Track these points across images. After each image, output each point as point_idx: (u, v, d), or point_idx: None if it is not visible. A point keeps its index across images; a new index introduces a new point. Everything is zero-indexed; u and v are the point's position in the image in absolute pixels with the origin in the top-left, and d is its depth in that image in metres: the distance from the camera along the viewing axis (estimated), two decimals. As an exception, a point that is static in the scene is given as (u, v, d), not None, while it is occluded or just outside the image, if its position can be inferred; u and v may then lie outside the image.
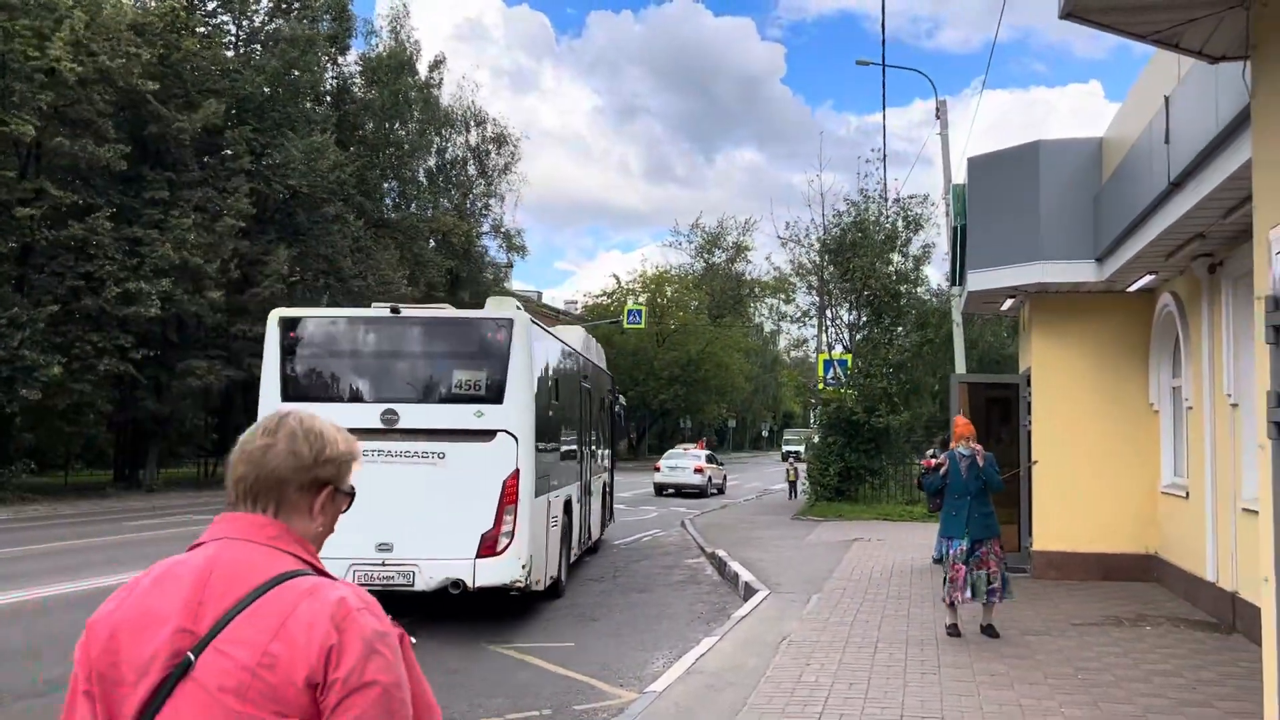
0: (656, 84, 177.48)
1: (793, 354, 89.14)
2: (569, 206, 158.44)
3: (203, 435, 42.47)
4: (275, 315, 10.81)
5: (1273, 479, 5.04)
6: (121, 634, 1.77)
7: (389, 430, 10.10)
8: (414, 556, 9.81)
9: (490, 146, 55.28)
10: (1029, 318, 13.62)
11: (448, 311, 11.62)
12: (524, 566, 10.15)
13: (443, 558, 9.89)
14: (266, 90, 33.98)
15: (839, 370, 27.43)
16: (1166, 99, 8.16)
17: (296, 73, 36.25)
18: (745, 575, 13.19)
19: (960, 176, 16.07)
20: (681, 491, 33.82)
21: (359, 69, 46.33)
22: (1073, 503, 12.70)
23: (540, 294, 79.34)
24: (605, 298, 66.01)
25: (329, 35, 39.48)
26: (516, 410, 10.43)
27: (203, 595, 1.76)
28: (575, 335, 15.68)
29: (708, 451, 39.57)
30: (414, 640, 1.86)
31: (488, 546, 9.99)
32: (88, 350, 27.01)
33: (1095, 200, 11.61)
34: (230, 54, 35.56)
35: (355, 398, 10.69)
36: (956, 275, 16.31)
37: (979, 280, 13.06)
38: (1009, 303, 13.97)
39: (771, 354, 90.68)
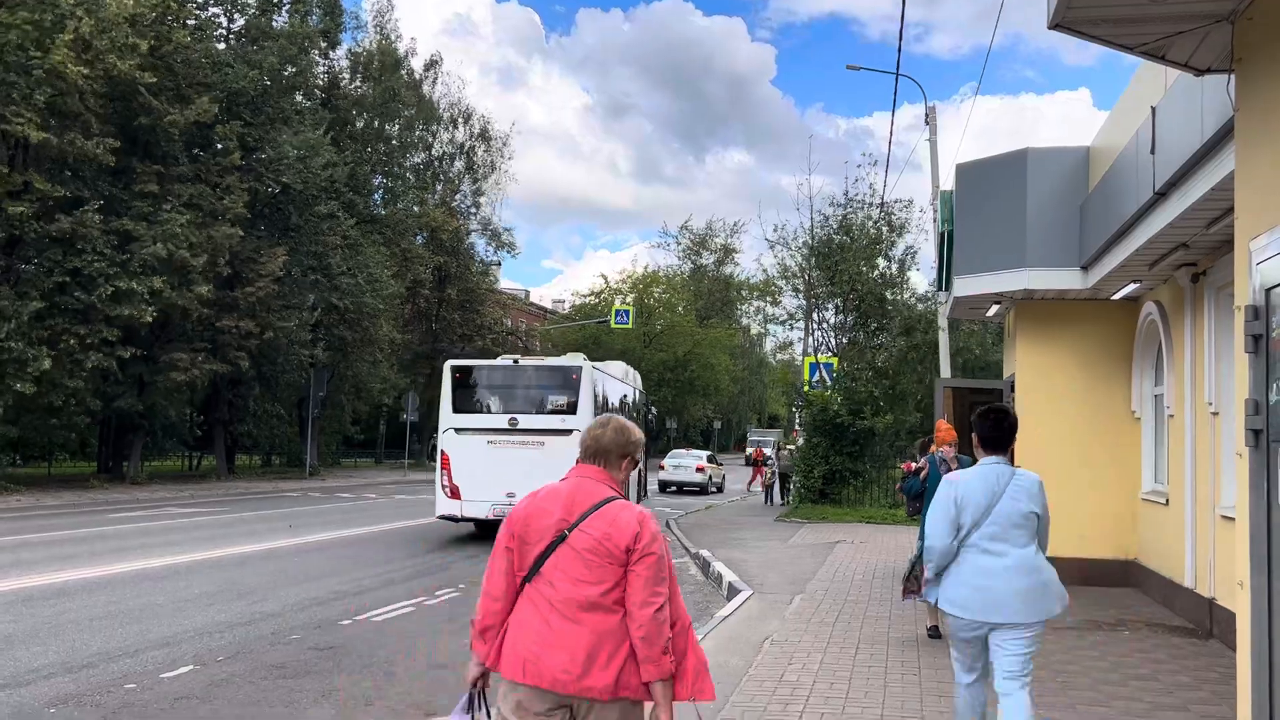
0: (646, 83, 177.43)
1: (779, 356, 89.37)
2: (557, 204, 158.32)
3: (187, 429, 42.17)
4: (448, 364, 18.19)
5: (1250, 486, 5.10)
6: (530, 519, 3.47)
7: (512, 429, 17.26)
8: None
9: (477, 143, 55.17)
10: (1014, 324, 13.68)
11: (545, 360, 19.46)
12: None
13: None
14: (261, 84, 33.68)
15: (824, 373, 27.51)
16: (1153, 109, 8.21)
17: (292, 68, 36.05)
18: (729, 575, 13.24)
19: (948, 182, 16.15)
20: (684, 489, 35.07)
21: (348, 64, 46.16)
22: (1054, 508, 12.56)
23: (528, 292, 79.17)
24: (593, 297, 65.90)
25: (320, 30, 39.36)
26: (584, 418, 16.72)
27: (573, 503, 3.45)
28: (618, 368, 22.95)
29: (743, 457, 41.29)
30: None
31: None
32: (73, 345, 26.79)
33: (1081, 208, 11.67)
34: (221, 46, 35.39)
35: (493, 410, 17.81)
36: (943, 281, 16.38)
37: (965, 286, 13.12)
38: (994, 309, 14.03)
39: (758, 356, 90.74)
